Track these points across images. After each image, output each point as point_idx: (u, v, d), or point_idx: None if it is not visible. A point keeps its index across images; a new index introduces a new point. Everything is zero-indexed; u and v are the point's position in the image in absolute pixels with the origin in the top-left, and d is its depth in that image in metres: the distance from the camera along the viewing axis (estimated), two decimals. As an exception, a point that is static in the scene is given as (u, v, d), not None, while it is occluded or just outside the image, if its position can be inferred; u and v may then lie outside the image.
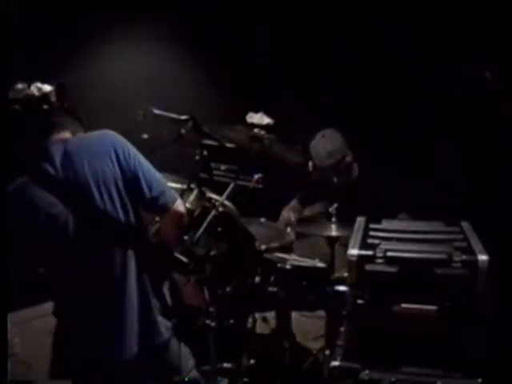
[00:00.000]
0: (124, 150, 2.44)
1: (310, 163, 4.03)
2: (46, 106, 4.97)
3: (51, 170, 2.36)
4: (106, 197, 2.37)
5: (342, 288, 2.60)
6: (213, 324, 3.05)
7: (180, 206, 2.59)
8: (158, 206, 2.52)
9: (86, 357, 2.48)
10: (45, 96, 5.00)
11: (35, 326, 4.68)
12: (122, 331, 2.43)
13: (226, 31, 5.61)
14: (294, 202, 4.06)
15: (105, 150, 2.42)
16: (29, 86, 5.07)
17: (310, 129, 4.19)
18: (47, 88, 5.03)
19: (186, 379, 2.61)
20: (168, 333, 2.54)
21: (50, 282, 2.55)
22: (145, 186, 2.45)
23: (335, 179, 3.79)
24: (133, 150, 2.48)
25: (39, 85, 5.02)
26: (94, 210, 2.35)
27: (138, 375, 2.47)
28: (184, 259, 2.65)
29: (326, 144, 3.89)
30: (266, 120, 5.23)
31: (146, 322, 2.48)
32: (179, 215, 2.59)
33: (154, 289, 2.52)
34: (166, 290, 2.62)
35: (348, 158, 3.89)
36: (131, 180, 2.43)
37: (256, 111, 5.32)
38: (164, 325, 2.54)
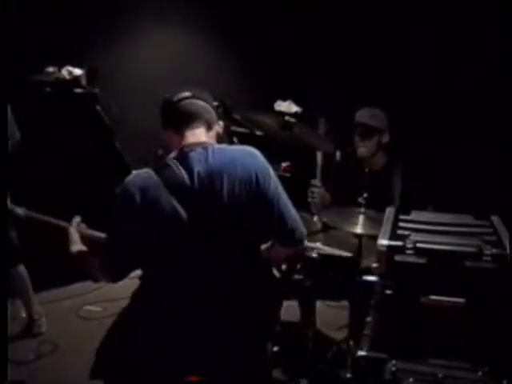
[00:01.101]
0: (264, 174, 2.36)
1: (338, 153, 4.02)
2: (77, 90, 5.06)
3: (186, 179, 2.29)
4: (234, 220, 2.32)
5: (370, 278, 2.58)
6: None
7: (305, 242, 2.63)
8: (287, 242, 2.52)
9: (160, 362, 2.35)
10: (75, 79, 5.09)
11: (62, 306, 4.77)
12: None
13: (256, 19, 5.62)
14: (323, 192, 4.04)
15: (246, 170, 2.32)
16: (59, 70, 5.16)
17: (337, 117, 4.18)
18: (78, 71, 5.13)
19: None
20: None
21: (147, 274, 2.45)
22: (276, 218, 2.40)
23: (361, 151, 3.82)
24: (274, 179, 2.41)
25: (70, 68, 5.11)
26: (218, 230, 2.31)
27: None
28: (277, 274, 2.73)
29: (372, 110, 3.88)
30: (294, 108, 5.27)
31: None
32: (298, 251, 2.69)
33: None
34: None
35: (384, 138, 3.87)
36: (265, 208, 2.37)
37: (284, 99, 5.36)
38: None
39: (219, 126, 2.52)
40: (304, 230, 2.52)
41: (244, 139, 3.53)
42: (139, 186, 2.28)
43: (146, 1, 5.57)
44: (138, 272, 2.48)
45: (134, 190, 2.27)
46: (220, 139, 2.73)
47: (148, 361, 2.34)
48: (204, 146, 2.36)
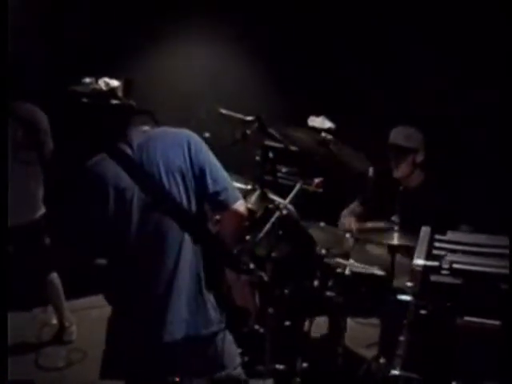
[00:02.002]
0: (196, 145, 2.56)
1: (371, 169, 4.01)
2: (113, 101, 5.09)
3: (128, 150, 2.53)
4: (172, 183, 2.48)
5: (404, 297, 2.57)
6: (261, 330, 3.06)
7: (241, 206, 2.63)
8: (219, 201, 2.58)
9: (133, 339, 2.56)
10: (112, 91, 5.12)
11: (92, 315, 4.80)
12: (169, 314, 2.48)
13: (290, 32, 5.63)
14: (354, 205, 4.03)
15: (179, 142, 2.55)
16: (96, 81, 5.20)
17: (371, 135, 4.18)
18: (115, 83, 5.13)
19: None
20: (217, 326, 2.57)
21: (108, 261, 2.61)
22: (209, 181, 2.53)
23: (397, 173, 3.82)
24: (205, 148, 2.60)
25: (107, 79, 5.13)
26: (159, 192, 2.46)
27: (180, 362, 2.51)
28: (240, 258, 2.66)
29: (407, 130, 3.88)
30: (328, 124, 5.22)
31: (195, 309, 2.52)
32: (239, 215, 2.63)
33: (209, 280, 2.57)
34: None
35: (419, 157, 3.85)
36: (198, 173, 2.53)
37: (318, 114, 5.34)
38: (214, 317, 2.57)
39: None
40: (238, 193, 2.64)
41: (279, 154, 3.55)
42: (92, 164, 2.60)
43: (181, 14, 5.61)
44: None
45: (87, 170, 2.60)
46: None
47: (119, 356, 2.65)
48: (144, 130, 2.65)
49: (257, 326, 3.26)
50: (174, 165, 2.50)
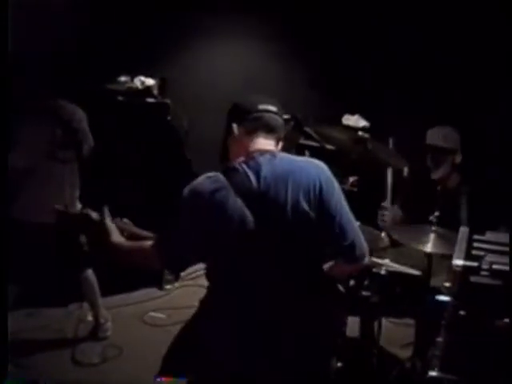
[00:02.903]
0: (328, 185, 2.38)
1: (406, 169, 3.99)
2: (149, 99, 5.16)
3: (254, 182, 2.32)
4: (296, 226, 2.32)
5: (442, 297, 2.55)
6: None
7: (367, 259, 2.53)
8: (342, 255, 2.50)
9: (226, 359, 2.39)
10: (148, 89, 5.20)
11: (127, 312, 4.84)
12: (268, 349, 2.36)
13: (328, 31, 5.62)
14: (394, 210, 3.99)
15: (310, 179, 2.35)
16: (132, 79, 5.28)
17: (408, 133, 4.15)
18: (150, 81, 5.23)
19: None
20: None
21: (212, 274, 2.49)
22: (337, 231, 2.39)
23: (435, 174, 3.79)
24: (338, 189, 2.43)
25: (142, 78, 5.22)
26: (281, 235, 2.32)
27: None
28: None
29: (444, 130, 3.85)
30: (362, 123, 5.24)
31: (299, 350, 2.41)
32: (358, 270, 2.64)
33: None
34: None
35: (458, 158, 3.82)
36: (326, 218, 2.37)
37: (352, 113, 5.34)
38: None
39: (281, 144, 2.56)
40: (366, 247, 2.49)
41: (315, 152, 3.54)
42: (207, 187, 2.32)
43: (216, 13, 5.63)
44: (204, 281, 2.53)
45: (202, 191, 2.31)
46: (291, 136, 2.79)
47: (210, 372, 2.40)
48: (272, 153, 2.42)
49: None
50: (301, 207, 2.31)
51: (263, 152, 2.40)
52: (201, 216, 2.31)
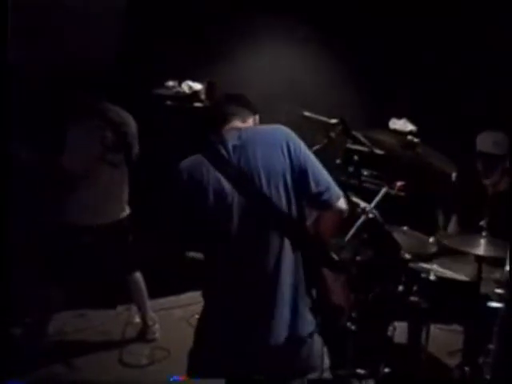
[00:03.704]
0: (295, 144, 2.50)
1: (454, 174, 3.94)
2: (196, 104, 5.19)
3: (224, 153, 2.48)
4: (272, 186, 2.43)
5: (495, 304, 2.52)
6: (353, 327, 3.04)
7: (343, 202, 2.59)
8: (322, 201, 2.53)
9: (231, 341, 2.51)
10: (195, 94, 5.22)
11: (175, 314, 4.89)
12: (272, 318, 2.45)
13: (372, 34, 5.60)
14: (453, 225, 3.95)
15: (277, 142, 2.49)
16: (179, 84, 5.31)
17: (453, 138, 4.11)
18: (197, 86, 5.24)
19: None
20: (312, 327, 2.54)
21: (205, 262, 2.59)
22: (311, 181, 2.48)
23: (486, 181, 3.75)
24: (303, 146, 2.54)
25: (190, 83, 5.24)
26: (259, 196, 2.44)
27: (279, 364, 2.49)
28: (335, 257, 2.65)
29: (495, 136, 3.81)
30: (410, 126, 5.17)
31: (294, 312, 2.49)
32: (341, 211, 2.60)
33: (307, 282, 2.55)
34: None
35: (507, 164, 3.78)
36: (299, 174, 2.47)
37: (399, 117, 5.28)
38: (310, 319, 2.54)
39: (254, 120, 2.75)
40: (338, 189, 2.56)
41: (363, 157, 3.53)
42: (188, 166, 2.53)
43: (262, 15, 5.64)
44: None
45: (183, 170, 2.52)
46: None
47: (214, 354, 2.55)
48: (238, 128, 2.60)
49: (349, 324, 3.22)
50: (274, 168, 2.45)
51: (228, 130, 2.59)
52: (185, 193, 2.52)
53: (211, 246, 2.54)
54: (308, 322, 2.54)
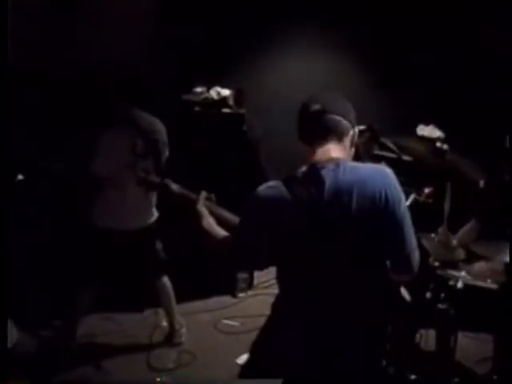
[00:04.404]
0: (394, 199, 2.27)
1: (482, 181, 3.92)
2: (225, 110, 5.24)
3: (315, 195, 2.27)
4: (358, 237, 2.28)
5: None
6: None
7: (413, 275, 2.44)
8: (398, 265, 2.41)
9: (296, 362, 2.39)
10: (223, 100, 5.28)
11: (202, 319, 4.92)
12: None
13: (397, 40, 5.60)
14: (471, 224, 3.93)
15: (377, 191, 2.24)
16: (208, 90, 5.37)
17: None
18: (226, 92, 5.30)
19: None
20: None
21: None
22: (397, 242, 2.32)
23: None
24: (402, 199, 2.32)
25: (218, 89, 5.30)
26: (343, 246, 2.29)
27: None
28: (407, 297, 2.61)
29: None
30: (437, 133, 5.17)
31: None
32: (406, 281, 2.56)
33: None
34: None
35: None
36: (388, 230, 2.29)
37: (427, 123, 5.28)
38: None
39: (353, 133, 2.44)
40: (418, 261, 2.40)
41: (391, 164, 3.52)
42: (268, 195, 2.32)
43: (289, 25, 5.67)
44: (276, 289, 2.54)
45: (263, 199, 2.33)
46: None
47: (283, 373, 2.39)
48: (336, 162, 2.31)
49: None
50: (368, 217, 2.25)
51: (324, 163, 2.31)
52: (258, 222, 2.34)
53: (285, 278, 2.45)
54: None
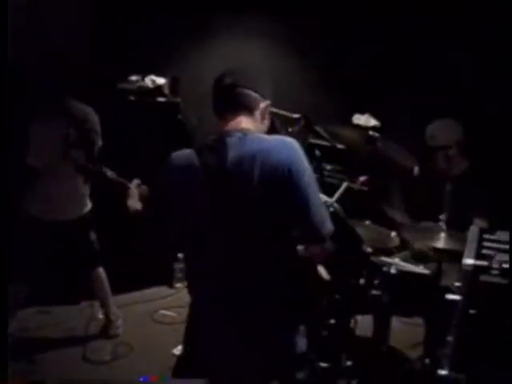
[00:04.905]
0: (299, 168, 2.29)
1: (416, 168, 3.98)
2: (160, 98, 5.18)
3: (220, 163, 2.29)
4: (261, 207, 2.28)
5: (453, 297, 2.55)
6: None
7: (328, 243, 2.45)
8: (307, 237, 2.42)
9: (213, 343, 2.42)
10: (158, 88, 5.21)
11: (138, 310, 4.88)
12: (239, 327, 2.37)
13: (332, 30, 5.63)
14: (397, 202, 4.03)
15: (280, 162, 2.26)
16: (143, 78, 5.30)
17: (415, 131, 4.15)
18: (161, 80, 5.24)
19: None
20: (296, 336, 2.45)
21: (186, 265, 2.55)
22: (306, 211, 2.31)
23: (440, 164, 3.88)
24: (308, 171, 2.34)
25: (153, 77, 5.23)
26: (245, 215, 2.29)
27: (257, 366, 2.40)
28: (325, 275, 2.62)
29: (435, 128, 3.93)
30: (373, 122, 5.22)
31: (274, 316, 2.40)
32: (323, 254, 2.52)
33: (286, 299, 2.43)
34: None
35: (451, 151, 3.86)
36: (295, 199, 2.30)
37: (362, 112, 5.33)
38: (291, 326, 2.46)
39: (265, 106, 2.47)
40: (330, 229, 2.41)
41: (325, 152, 3.55)
42: (176, 163, 2.39)
43: (231, 13, 5.64)
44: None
45: (171, 167, 2.40)
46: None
47: (197, 353, 2.44)
48: (244, 132, 2.36)
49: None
50: (269, 188, 2.26)
51: (232, 132, 2.37)
52: (164, 189, 2.42)
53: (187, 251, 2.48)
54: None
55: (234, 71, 2.49)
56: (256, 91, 2.44)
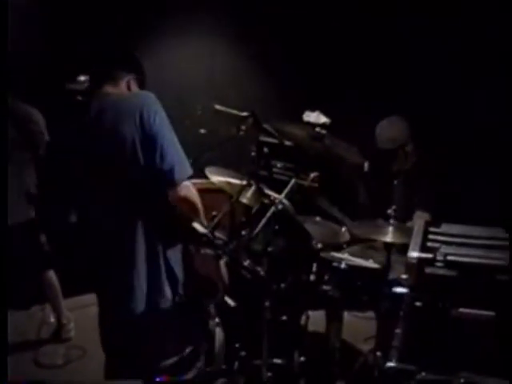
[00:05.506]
0: (150, 113, 2.47)
1: (366, 164, 4.03)
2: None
3: (86, 122, 2.60)
4: (119, 155, 2.46)
5: (399, 290, 2.58)
6: (233, 304, 3.04)
7: (183, 189, 2.52)
8: (165, 180, 2.50)
9: (106, 314, 2.82)
10: (108, 88, 5.12)
11: (90, 312, 4.78)
12: (130, 288, 2.55)
13: (285, 30, 5.64)
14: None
15: (131, 111, 2.47)
16: (91, 79, 5.19)
17: (367, 128, 4.19)
18: (111, 80, 5.14)
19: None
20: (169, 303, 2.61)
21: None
22: (158, 156, 2.46)
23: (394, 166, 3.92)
24: (160, 118, 2.50)
25: (102, 77, 5.13)
26: (107, 164, 2.49)
27: (143, 336, 2.65)
28: (201, 229, 2.61)
29: (389, 129, 3.95)
30: (323, 119, 5.23)
31: (153, 283, 2.56)
32: (177, 197, 2.53)
33: (165, 255, 2.58)
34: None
35: (408, 148, 3.91)
36: (148, 146, 2.46)
37: (313, 110, 5.34)
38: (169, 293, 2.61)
39: (128, 79, 2.75)
40: (188, 172, 2.54)
41: (274, 149, 3.55)
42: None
43: (180, 12, 5.61)
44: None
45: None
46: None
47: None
48: (105, 94, 2.67)
49: (227, 299, 3.17)
50: (122, 137, 2.44)
51: (97, 95, 2.70)
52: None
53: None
54: (167, 295, 2.60)
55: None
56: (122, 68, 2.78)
